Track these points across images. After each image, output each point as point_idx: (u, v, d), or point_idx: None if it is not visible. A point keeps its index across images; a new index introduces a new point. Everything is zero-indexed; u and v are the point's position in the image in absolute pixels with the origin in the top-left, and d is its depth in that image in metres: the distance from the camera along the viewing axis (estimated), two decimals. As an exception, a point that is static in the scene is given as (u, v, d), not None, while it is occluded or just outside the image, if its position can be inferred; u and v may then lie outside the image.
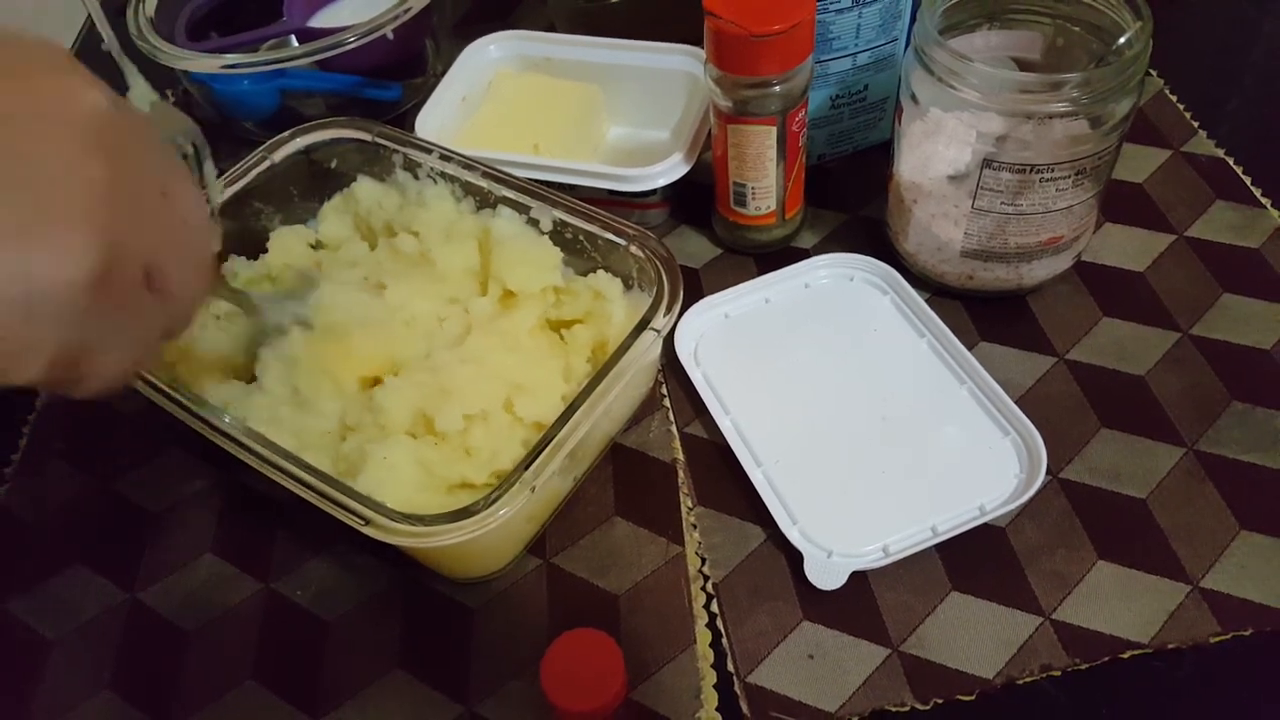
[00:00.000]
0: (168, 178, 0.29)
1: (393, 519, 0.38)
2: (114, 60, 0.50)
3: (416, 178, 0.54)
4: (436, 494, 0.43)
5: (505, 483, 0.38)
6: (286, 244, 0.54)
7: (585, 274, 0.50)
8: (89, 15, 0.86)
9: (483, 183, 0.51)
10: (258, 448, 0.41)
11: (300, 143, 0.55)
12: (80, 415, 0.55)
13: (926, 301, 0.53)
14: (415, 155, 0.53)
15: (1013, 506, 0.44)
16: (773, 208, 0.55)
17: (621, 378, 0.42)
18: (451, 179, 0.53)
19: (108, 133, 0.26)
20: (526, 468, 0.39)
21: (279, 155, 0.55)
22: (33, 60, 0.27)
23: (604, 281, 0.49)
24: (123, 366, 0.28)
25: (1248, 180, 0.58)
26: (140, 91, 0.47)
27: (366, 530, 0.38)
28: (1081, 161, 0.45)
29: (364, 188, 0.55)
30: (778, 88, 0.49)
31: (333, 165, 0.56)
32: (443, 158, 0.52)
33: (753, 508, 0.46)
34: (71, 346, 0.26)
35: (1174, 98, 0.63)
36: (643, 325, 0.44)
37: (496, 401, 0.45)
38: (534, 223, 0.51)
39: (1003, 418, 0.47)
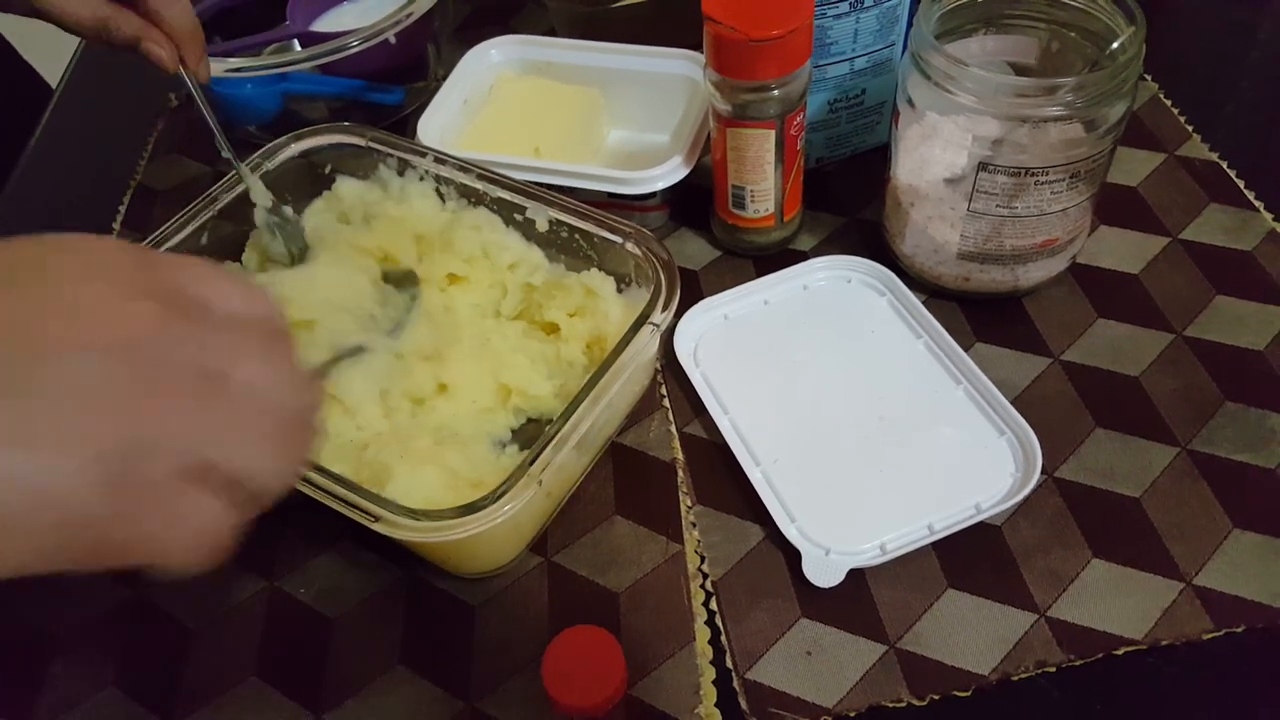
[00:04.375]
0: (225, 353, 0.26)
1: (400, 515, 0.38)
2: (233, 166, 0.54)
3: (415, 181, 0.55)
4: (461, 494, 0.43)
5: (511, 478, 0.39)
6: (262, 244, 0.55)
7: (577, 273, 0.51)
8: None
9: (478, 185, 0.52)
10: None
11: (296, 148, 0.56)
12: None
13: (923, 303, 0.53)
14: (409, 159, 0.54)
15: (1008, 505, 0.45)
16: (771, 210, 0.56)
17: (622, 373, 0.43)
18: (446, 182, 0.53)
19: (130, 326, 0.25)
20: (531, 463, 0.39)
21: (275, 160, 0.55)
22: (63, 267, 0.25)
23: (596, 279, 0.49)
24: (188, 554, 0.26)
25: (1241, 184, 0.58)
26: (259, 196, 0.54)
27: (375, 526, 0.38)
28: (1076, 165, 0.46)
29: (345, 186, 0.56)
30: (776, 92, 0.50)
31: (327, 170, 0.57)
32: (437, 160, 0.53)
33: (751, 506, 0.47)
34: (106, 540, 0.25)
35: (1168, 102, 0.64)
36: (641, 320, 0.44)
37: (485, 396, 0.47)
38: (529, 222, 0.52)
39: (998, 418, 0.48)
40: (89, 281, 0.25)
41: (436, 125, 0.61)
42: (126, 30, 0.48)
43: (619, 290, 0.50)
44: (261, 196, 0.54)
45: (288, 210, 0.54)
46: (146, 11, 0.49)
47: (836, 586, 0.43)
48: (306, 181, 0.57)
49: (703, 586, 0.45)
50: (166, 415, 0.25)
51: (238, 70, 0.62)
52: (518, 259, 0.52)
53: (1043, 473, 0.46)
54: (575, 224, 0.50)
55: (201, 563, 0.27)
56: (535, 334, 0.51)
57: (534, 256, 0.52)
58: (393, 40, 0.63)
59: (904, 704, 0.40)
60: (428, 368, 0.48)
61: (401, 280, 0.52)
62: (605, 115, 0.64)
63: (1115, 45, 0.46)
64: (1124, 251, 0.56)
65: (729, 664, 0.42)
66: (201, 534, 0.26)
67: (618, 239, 0.48)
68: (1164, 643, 0.41)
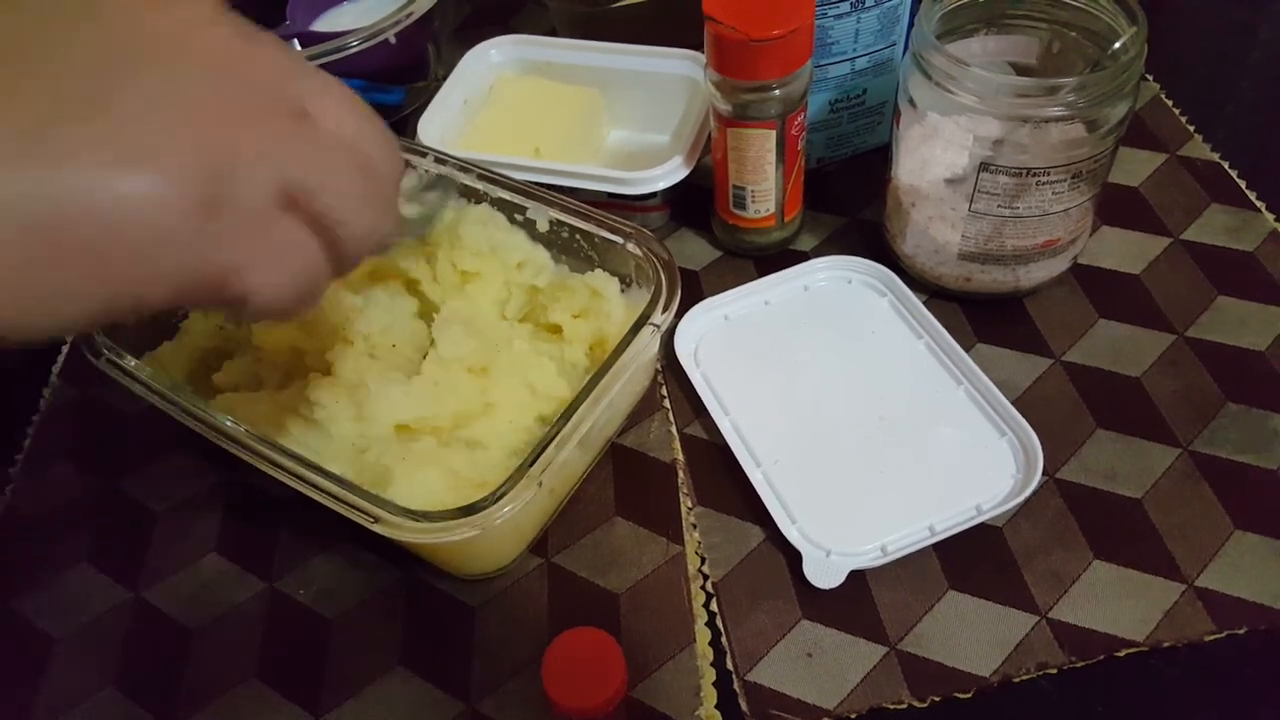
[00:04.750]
0: (307, 99, 0.26)
1: (400, 516, 0.38)
2: None
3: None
4: (464, 495, 0.43)
5: (511, 478, 0.39)
6: None
7: (581, 274, 0.51)
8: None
9: (478, 184, 0.52)
10: (262, 449, 0.41)
11: None
12: (85, 415, 0.55)
13: (924, 303, 0.53)
14: (410, 159, 0.54)
15: (1009, 506, 0.44)
16: (772, 210, 0.55)
17: (623, 374, 0.42)
18: (446, 181, 0.53)
19: (209, 49, 0.24)
20: (532, 463, 0.39)
21: None
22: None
23: (600, 280, 0.49)
24: (280, 290, 0.25)
25: (1243, 184, 0.58)
26: None
27: (375, 528, 0.38)
28: (1078, 165, 0.46)
29: None
30: (777, 92, 0.50)
31: None
32: (437, 160, 0.53)
33: (752, 507, 0.47)
34: (199, 268, 0.24)
35: (1170, 102, 0.64)
36: (642, 321, 0.44)
37: (496, 400, 0.46)
38: (529, 222, 0.51)
39: (999, 418, 0.48)
40: (175, 5, 0.24)
41: (437, 125, 0.61)
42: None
43: (620, 291, 0.50)
44: None
45: None
46: None
47: (837, 588, 0.43)
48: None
49: (703, 588, 0.45)
50: (260, 136, 0.24)
51: (237, 70, 0.62)
52: (525, 258, 0.52)
53: (1044, 474, 0.46)
54: (576, 224, 0.50)
55: (292, 304, 0.26)
56: (542, 335, 0.51)
57: (540, 257, 0.52)
58: (393, 40, 0.63)
59: (905, 706, 0.40)
60: (473, 383, 0.46)
61: (432, 185, 0.52)
62: (605, 115, 0.64)
63: (1117, 45, 0.46)
64: (1125, 252, 0.56)
65: (729, 665, 0.42)
66: (295, 269, 0.25)
67: (619, 239, 0.48)
68: (1165, 644, 0.41)
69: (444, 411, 0.45)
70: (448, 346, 0.46)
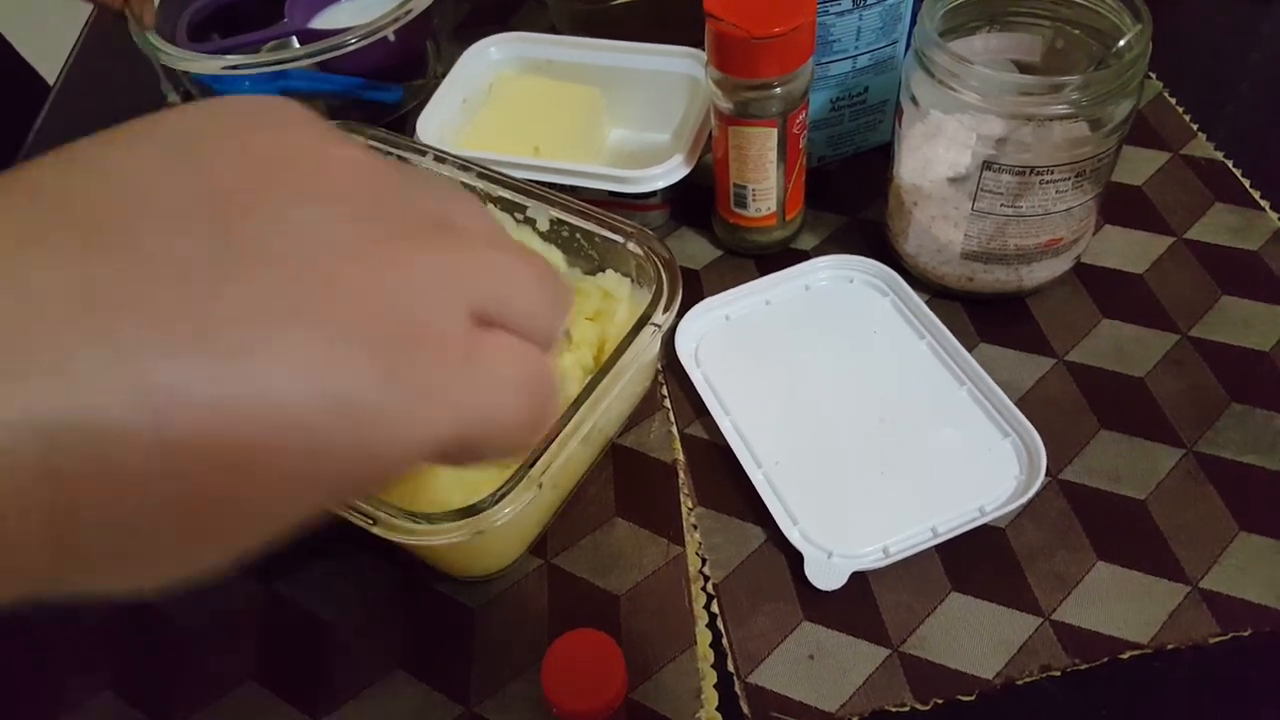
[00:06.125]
0: (437, 204, 0.22)
1: (399, 517, 0.38)
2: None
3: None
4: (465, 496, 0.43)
5: (511, 480, 0.38)
6: None
7: (590, 274, 0.50)
8: (91, 13, 0.86)
9: (478, 184, 0.52)
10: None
11: None
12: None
13: (926, 303, 0.53)
14: (410, 157, 0.53)
15: (1012, 507, 0.44)
16: (773, 209, 0.55)
17: (623, 374, 0.42)
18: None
19: (337, 178, 0.20)
20: (531, 465, 0.39)
21: None
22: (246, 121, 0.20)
23: (612, 281, 0.49)
24: (517, 411, 0.21)
25: (1247, 183, 0.58)
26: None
27: (374, 529, 0.38)
28: (1081, 164, 0.45)
29: None
30: (778, 90, 0.49)
31: None
32: (437, 159, 0.53)
33: (753, 508, 0.46)
34: (400, 437, 0.19)
35: (1173, 100, 0.64)
36: (643, 321, 0.44)
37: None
38: (530, 221, 0.51)
39: (1002, 419, 0.47)
40: (284, 128, 0.20)
41: (436, 123, 0.60)
42: None
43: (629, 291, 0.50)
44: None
45: None
46: None
47: (839, 589, 0.43)
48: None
49: (704, 589, 0.44)
50: (424, 256, 0.20)
51: (235, 68, 0.61)
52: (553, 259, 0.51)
53: (1047, 475, 0.45)
54: (577, 223, 0.49)
55: (532, 423, 0.22)
56: None
57: (553, 258, 0.51)
58: (392, 38, 0.63)
59: (907, 708, 0.40)
60: None
61: None
62: (606, 114, 0.64)
63: (1121, 43, 0.46)
64: (1129, 251, 0.55)
65: (731, 668, 0.42)
66: (521, 379, 0.21)
67: (619, 238, 0.48)
68: (1169, 646, 0.41)
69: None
70: None
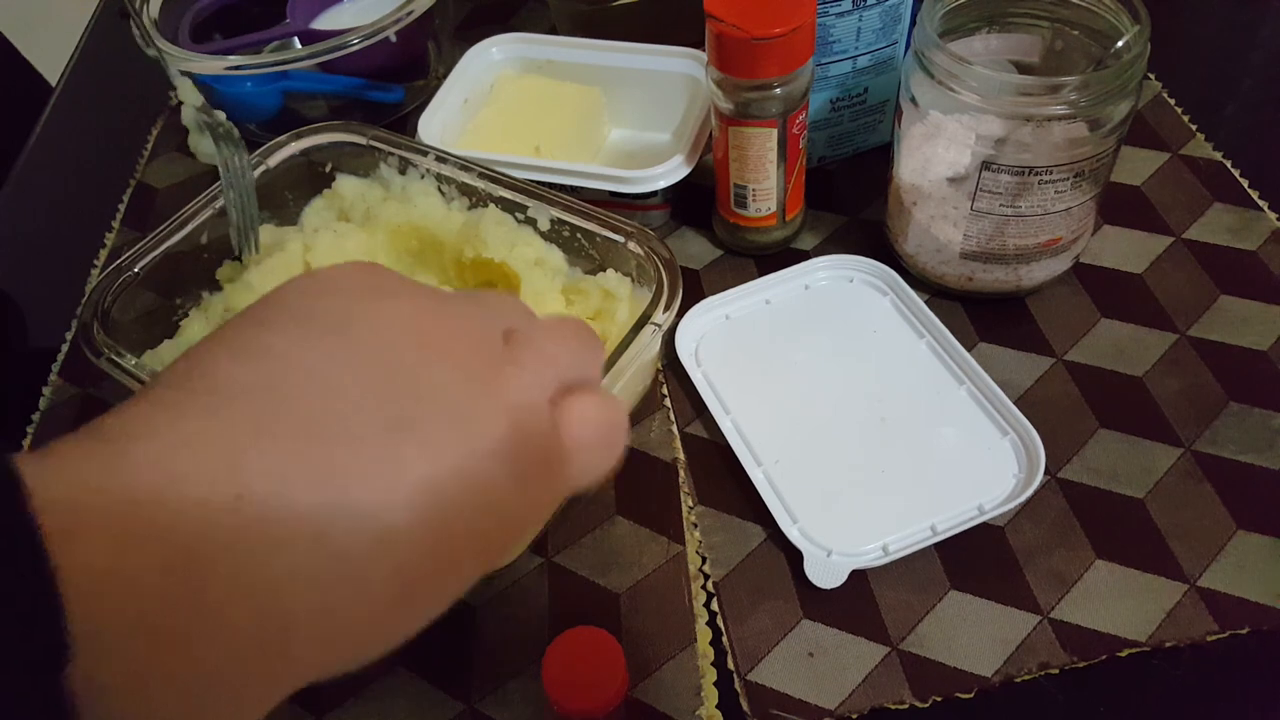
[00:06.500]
0: (495, 306, 0.28)
1: None
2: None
3: (417, 180, 0.54)
4: None
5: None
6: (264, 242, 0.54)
7: (591, 274, 0.50)
8: (95, 10, 0.86)
9: (479, 183, 0.52)
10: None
11: (296, 147, 0.56)
12: (85, 414, 0.55)
13: (926, 303, 0.53)
14: (410, 157, 0.54)
15: (1011, 506, 0.44)
16: (773, 209, 0.55)
17: (624, 373, 0.42)
18: (448, 180, 0.53)
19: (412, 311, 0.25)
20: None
21: (275, 159, 0.55)
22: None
23: (614, 280, 0.49)
24: (601, 464, 0.27)
25: (1245, 183, 0.58)
26: (186, 95, 0.58)
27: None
28: (1080, 164, 0.46)
29: (347, 184, 0.55)
30: (778, 90, 0.49)
31: (328, 169, 0.57)
32: (438, 159, 0.53)
33: (753, 507, 0.46)
34: (529, 505, 0.25)
35: (1172, 101, 0.64)
36: (643, 321, 0.44)
37: None
38: (530, 221, 0.51)
39: (1001, 418, 0.47)
40: (396, 299, 0.25)
41: (437, 124, 0.60)
42: None
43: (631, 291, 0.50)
44: (190, 96, 0.56)
45: (220, 114, 0.53)
46: None
47: (838, 588, 0.43)
48: (307, 180, 0.57)
49: (704, 587, 0.45)
50: (515, 374, 0.25)
51: (237, 68, 0.62)
52: (539, 257, 0.51)
53: (1046, 473, 0.46)
54: (577, 223, 0.50)
55: (612, 456, 0.27)
56: None
57: (554, 258, 0.51)
58: (393, 38, 0.63)
59: (906, 706, 0.40)
60: None
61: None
62: (606, 114, 0.64)
63: (1120, 44, 0.46)
64: (1128, 251, 0.56)
65: (730, 665, 0.42)
66: (602, 427, 0.27)
67: (620, 238, 0.48)
68: (1168, 645, 0.41)
69: None
70: None
